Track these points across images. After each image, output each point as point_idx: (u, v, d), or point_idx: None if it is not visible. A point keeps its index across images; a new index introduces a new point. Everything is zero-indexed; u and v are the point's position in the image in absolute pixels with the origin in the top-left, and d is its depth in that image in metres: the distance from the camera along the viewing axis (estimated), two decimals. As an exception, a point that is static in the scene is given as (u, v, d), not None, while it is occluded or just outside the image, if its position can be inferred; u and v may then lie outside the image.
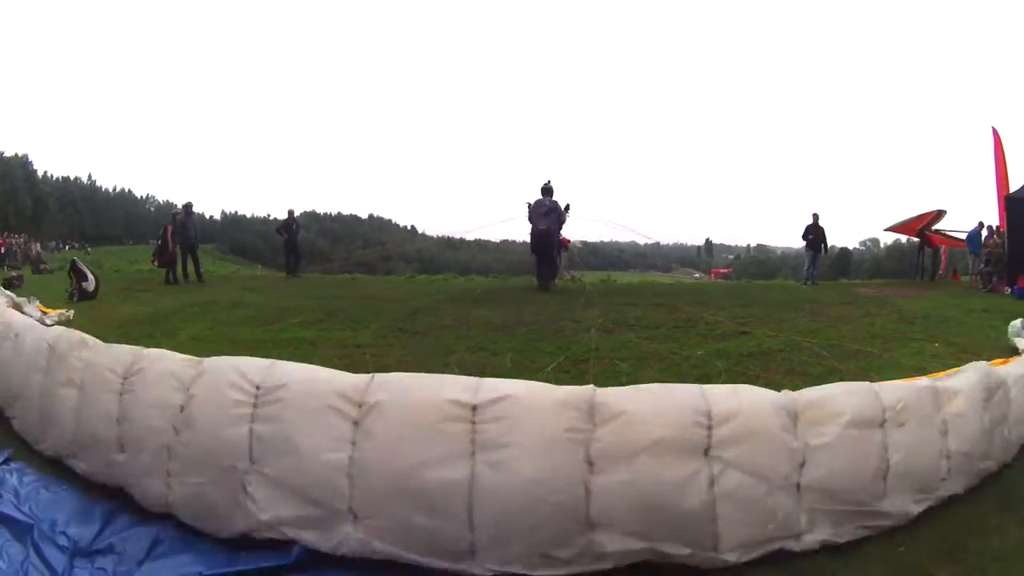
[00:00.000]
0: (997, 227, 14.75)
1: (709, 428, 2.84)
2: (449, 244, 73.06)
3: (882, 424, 3.12)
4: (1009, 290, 12.71)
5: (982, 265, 14.66)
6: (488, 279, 18.33)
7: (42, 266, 20.63)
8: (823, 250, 15.89)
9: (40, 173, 56.12)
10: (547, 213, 10.41)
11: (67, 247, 40.22)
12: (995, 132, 15.63)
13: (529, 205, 10.59)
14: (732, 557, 2.77)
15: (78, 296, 10.33)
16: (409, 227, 79.61)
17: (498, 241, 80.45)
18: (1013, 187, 14.59)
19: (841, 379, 4.25)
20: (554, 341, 6.42)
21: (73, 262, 11.10)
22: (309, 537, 2.89)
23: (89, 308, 9.49)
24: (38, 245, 27.88)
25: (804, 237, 15.45)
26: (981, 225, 15.33)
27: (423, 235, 77.43)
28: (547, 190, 10.59)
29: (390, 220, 79.41)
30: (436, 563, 2.76)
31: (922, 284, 15.50)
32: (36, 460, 3.97)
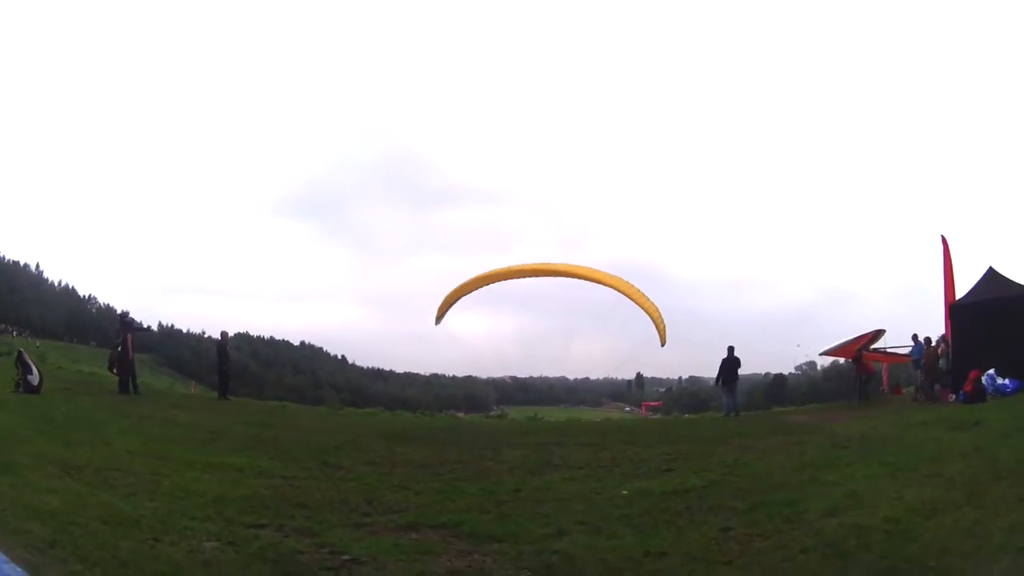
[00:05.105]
0: (941, 336, 14.86)
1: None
2: (379, 375, 75.41)
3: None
4: (954, 397, 12.71)
5: (921, 377, 14.87)
6: (416, 415, 18.47)
7: (-12, 349, 19.70)
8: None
9: (-11, 252, 54.95)
10: None
11: (15, 334, 38.65)
12: (944, 241, 15.65)
13: None
14: None
15: (24, 388, 10.25)
16: (339, 356, 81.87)
17: (427, 375, 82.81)
18: (959, 295, 14.71)
19: (768, 512, 4.35)
20: (477, 482, 6.45)
21: (20, 354, 10.96)
22: None
23: (31, 403, 9.38)
24: (-15, 326, 26.56)
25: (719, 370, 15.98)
26: (915, 338, 15.72)
27: (353, 365, 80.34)
28: None
29: (321, 348, 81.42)
30: None
31: (861, 405, 15.29)
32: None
